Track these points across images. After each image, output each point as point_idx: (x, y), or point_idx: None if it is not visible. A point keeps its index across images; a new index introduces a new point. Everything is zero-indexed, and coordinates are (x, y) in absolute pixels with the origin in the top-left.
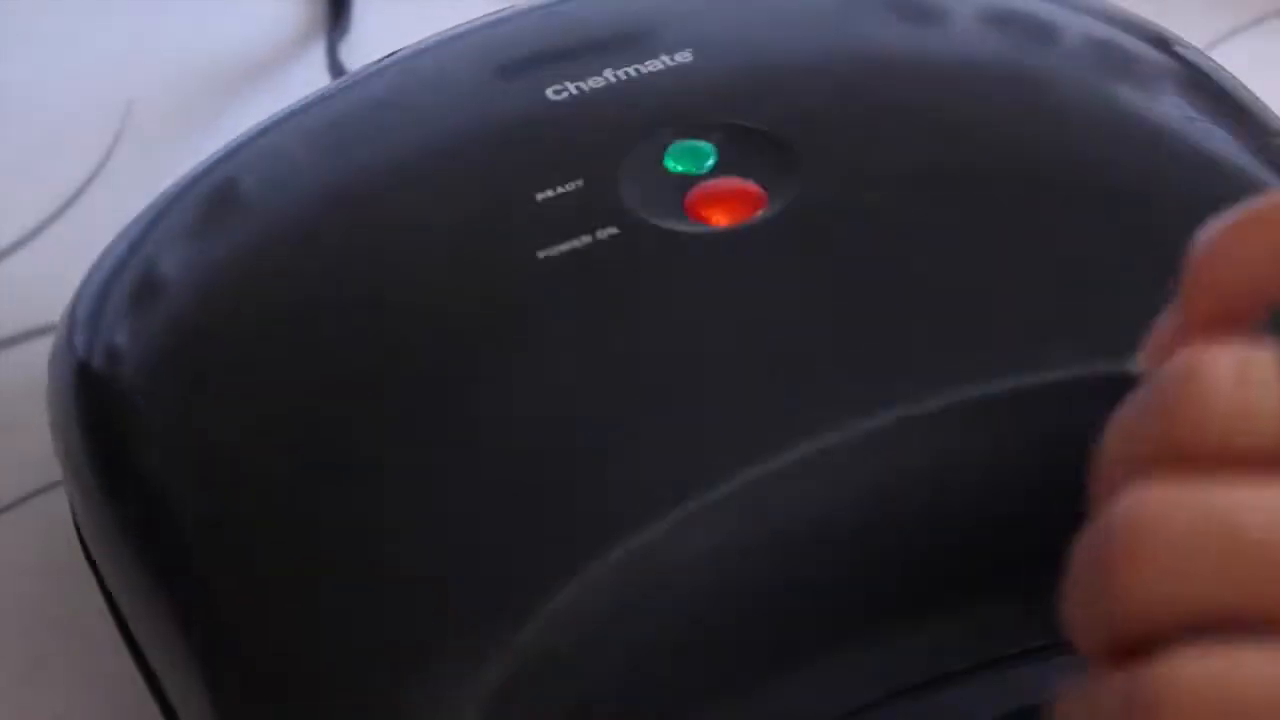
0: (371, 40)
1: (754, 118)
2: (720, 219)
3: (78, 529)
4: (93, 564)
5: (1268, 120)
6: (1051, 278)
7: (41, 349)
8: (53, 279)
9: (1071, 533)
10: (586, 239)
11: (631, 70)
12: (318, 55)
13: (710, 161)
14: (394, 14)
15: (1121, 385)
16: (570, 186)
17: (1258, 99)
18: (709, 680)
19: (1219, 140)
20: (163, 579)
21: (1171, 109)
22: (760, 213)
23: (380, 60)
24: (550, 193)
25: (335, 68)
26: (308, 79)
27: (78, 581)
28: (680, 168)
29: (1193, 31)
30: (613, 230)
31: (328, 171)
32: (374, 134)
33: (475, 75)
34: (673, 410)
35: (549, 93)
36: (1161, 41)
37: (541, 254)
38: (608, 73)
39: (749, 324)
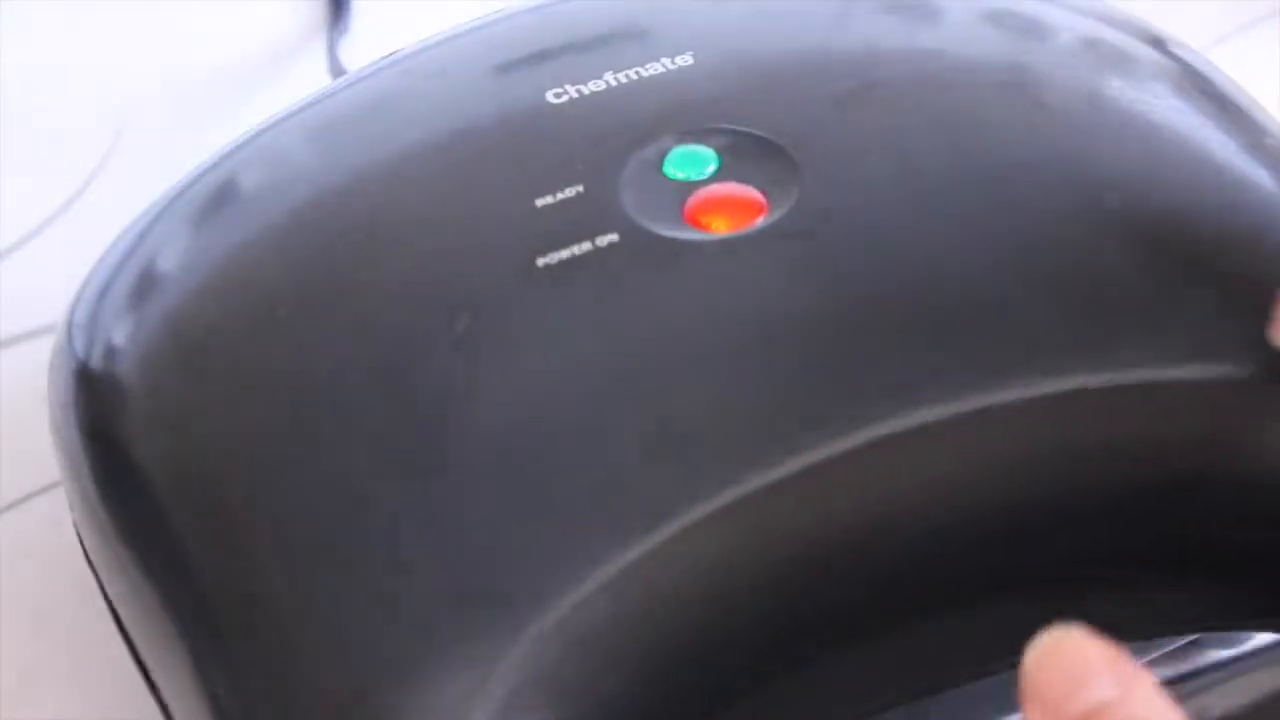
0: (371, 40)
1: (755, 123)
2: (720, 226)
3: (77, 529)
4: (92, 564)
5: (1261, 120)
6: (1056, 282)
7: (41, 349)
8: (53, 279)
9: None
10: (586, 246)
11: (632, 74)
12: (318, 55)
13: (711, 168)
14: (394, 14)
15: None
16: (570, 192)
17: (1252, 98)
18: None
19: (1214, 139)
20: (161, 581)
21: (1168, 109)
22: (761, 220)
23: (381, 60)
24: (550, 199)
25: (335, 67)
26: (308, 79)
27: (78, 581)
28: (680, 174)
29: (1193, 31)
30: (613, 237)
31: (329, 174)
32: (376, 136)
33: (475, 77)
34: (670, 420)
35: (549, 95)
36: (1157, 41)
37: (541, 261)
38: (608, 76)
39: (747, 334)
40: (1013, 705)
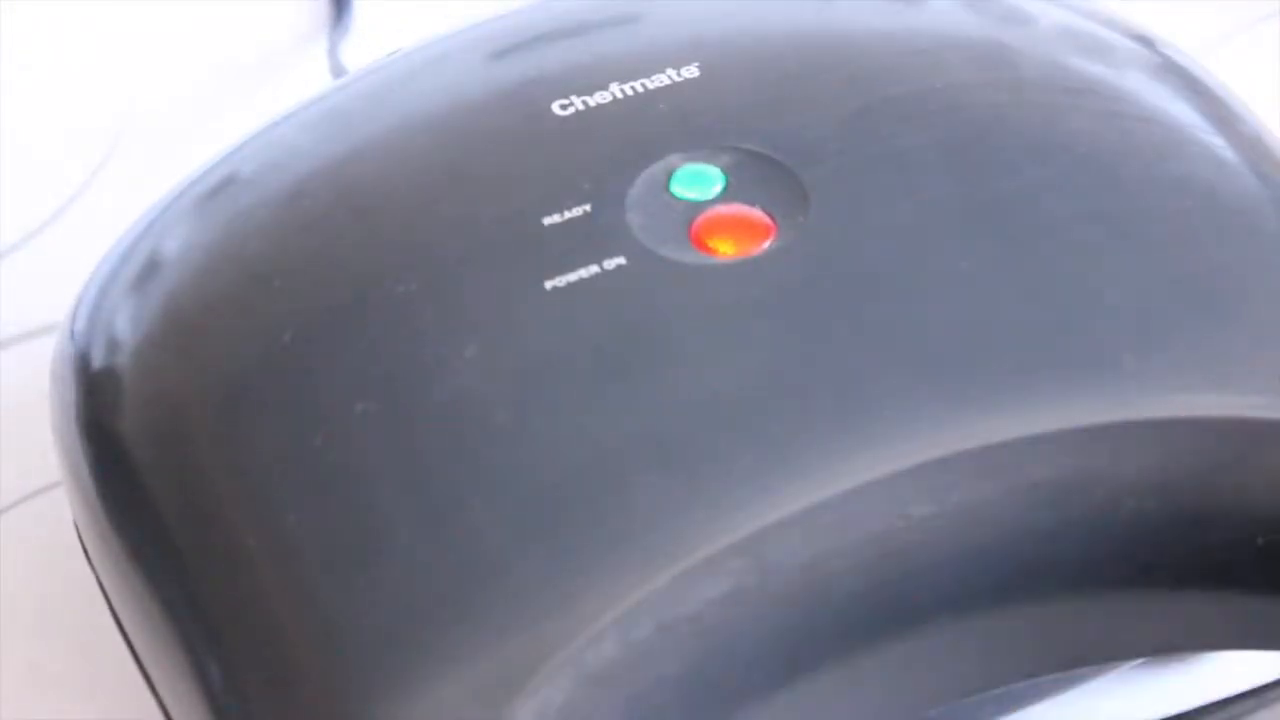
0: (373, 40)
1: (763, 141)
2: (728, 249)
3: (77, 529)
4: (92, 564)
5: (1249, 122)
6: (1075, 311)
7: (42, 349)
8: (53, 279)
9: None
10: (594, 269)
11: (638, 85)
12: (319, 55)
13: (718, 187)
14: (395, 14)
15: None
16: (578, 211)
17: (1241, 101)
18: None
19: (1201, 141)
20: (161, 581)
21: (1163, 114)
22: (768, 243)
23: (382, 61)
24: (557, 217)
25: (336, 68)
26: (309, 79)
27: (78, 581)
28: (687, 193)
29: (1192, 32)
30: (620, 260)
31: (335, 179)
32: (384, 142)
33: (480, 83)
34: (678, 452)
35: (555, 107)
36: (1145, 41)
37: (549, 284)
38: (614, 87)
39: (754, 364)
40: (1013, 705)
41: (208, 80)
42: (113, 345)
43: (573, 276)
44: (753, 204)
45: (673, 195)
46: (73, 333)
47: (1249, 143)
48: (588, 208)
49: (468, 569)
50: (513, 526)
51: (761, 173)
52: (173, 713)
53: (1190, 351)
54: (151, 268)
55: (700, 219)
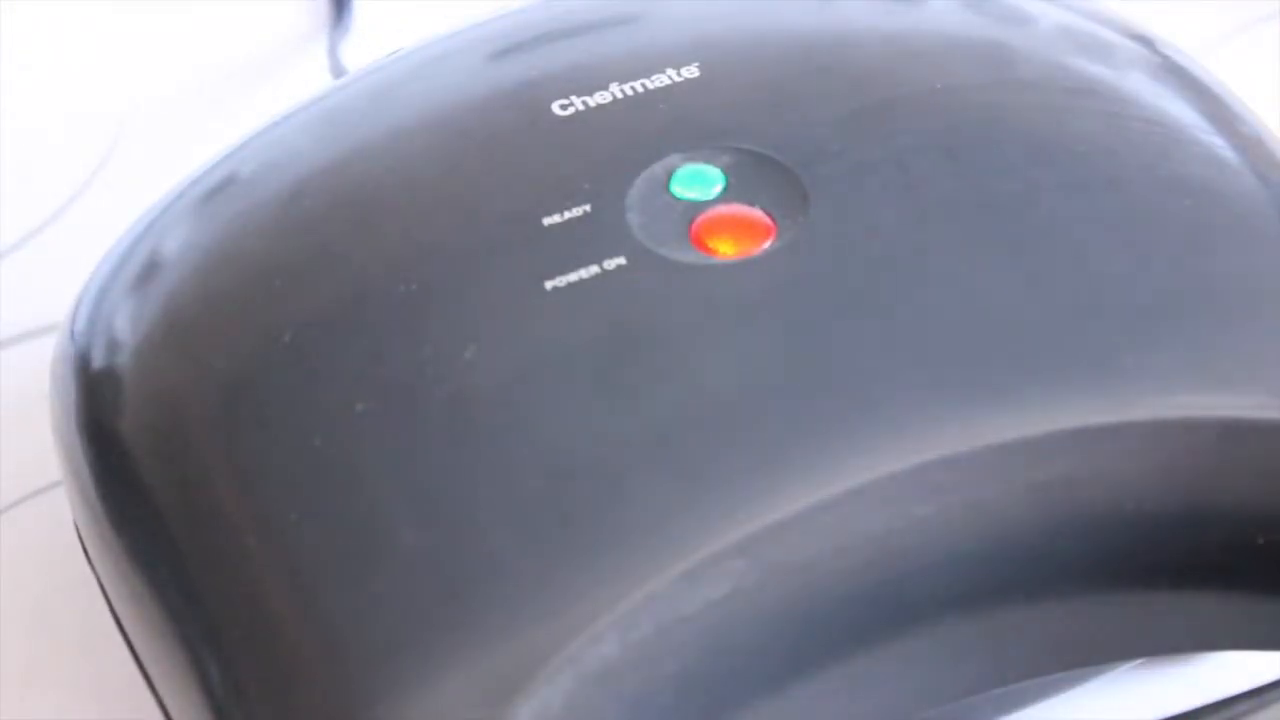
0: (373, 40)
1: (763, 141)
2: (728, 250)
3: (77, 529)
4: (92, 564)
5: (1249, 122)
6: (1078, 309)
7: (42, 349)
8: (53, 279)
9: None
10: (594, 269)
11: (639, 85)
12: (319, 55)
13: (718, 188)
14: (395, 14)
15: None
16: (578, 211)
17: (1241, 101)
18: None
19: (1201, 141)
20: (161, 581)
21: (1163, 114)
22: (769, 243)
23: (383, 60)
24: (557, 218)
25: (337, 68)
26: (308, 79)
27: (78, 581)
28: (688, 193)
29: (1192, 32)
30: (620, 260)
31: (335, 178)
32: (383, 142)
33: (480, 83)
34: (679, 452)
35: (555, 107)
36: (1145, 41)
37: (549, 284)
38: (614, 87)
39: (756, 364)
40: (1012, 705)
41: (208, 80)
42: (113, 345)
43: (573, 277)
44: (753, 204)
45: (673, 195)
46: (73, 333)
47: (1249, 143)
48: (588, 208)
49: (468, 569)
50: (513, 526)
51: (761, 173)
52: (173, 713)
53: (1190, 352)
54: (151, 268)
55: (700, 219)
